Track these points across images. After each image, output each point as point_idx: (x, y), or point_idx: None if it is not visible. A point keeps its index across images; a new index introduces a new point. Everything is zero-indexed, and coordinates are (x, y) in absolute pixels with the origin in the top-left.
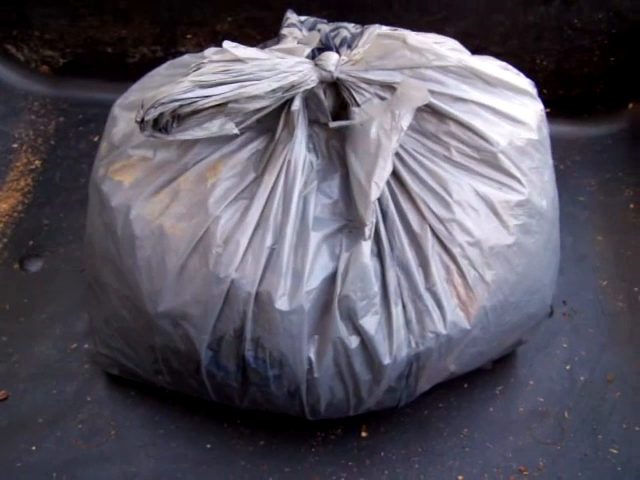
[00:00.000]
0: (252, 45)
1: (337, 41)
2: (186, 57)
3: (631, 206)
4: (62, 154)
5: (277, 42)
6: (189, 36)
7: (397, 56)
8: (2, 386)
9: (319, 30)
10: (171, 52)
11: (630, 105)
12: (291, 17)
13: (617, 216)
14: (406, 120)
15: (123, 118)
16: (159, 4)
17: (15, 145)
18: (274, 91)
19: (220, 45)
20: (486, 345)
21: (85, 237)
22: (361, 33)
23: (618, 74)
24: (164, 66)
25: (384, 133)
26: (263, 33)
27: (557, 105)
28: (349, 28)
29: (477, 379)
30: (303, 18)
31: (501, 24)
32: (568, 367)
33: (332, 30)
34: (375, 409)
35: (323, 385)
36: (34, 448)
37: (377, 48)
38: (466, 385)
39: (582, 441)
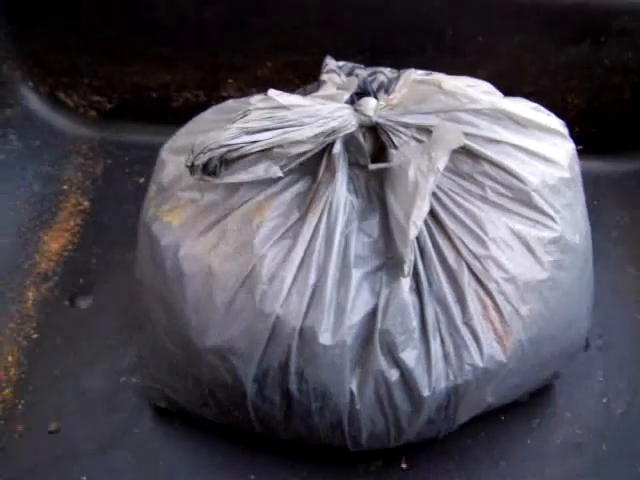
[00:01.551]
0: (292, 89)
1: (375, 86)
2: (230, 102)
3: None
4: (109, 195)
5: (317, 87)
6: (230, 81)
7: (433, 100)
8: (54, 418)
9: (357, 75)
10: (214, 96)
11: None
12: (330, 63)
13: None
14: (442, 162)
15: (171, 161)
16: (202, 51)
17: (65, 187)
18: (316, 136)
19: (260, 89)
20: (522, 377)
21: (134, 274)
22: (397, 77)
23: None
24: (209, 111)
25: (421, 174)
26: (301, 77)
27: (589, 142)
28: (386, 73)
29: (514, 411)
30: (341, 63)
31: (533, 65)
32: (605, 400)
33: (369, 75)
34: (415, 440)
35: (364, 416)
36: (85, 478)
37: (413, 93)
38: (503, 417)
39: (620, 474)
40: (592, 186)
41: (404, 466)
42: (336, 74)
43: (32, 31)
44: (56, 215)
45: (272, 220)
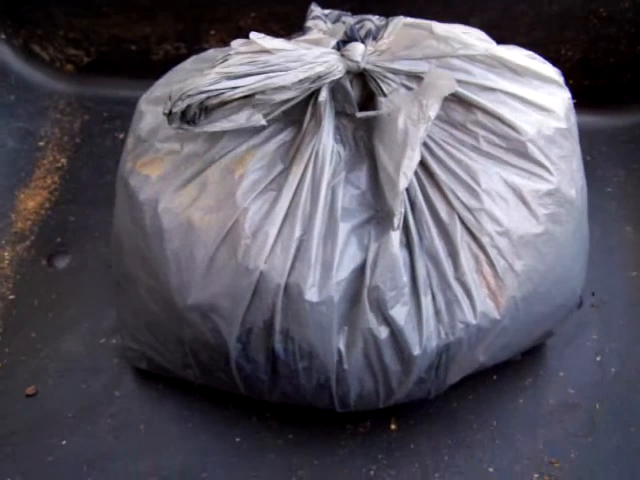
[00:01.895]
0: None
1: (362, 33)
2: (211, 51)
3: None
4: (88, 152)
5: (302, 35)
6: (212, 32)
7: (424, 46)
8: (31, 381)
9: (344, 22)
10: (195, 49)
11: None
12: (315, 10)
13: None
14: (433, 110)
15: (149, 112)
16: (182, 1)
17: (41, 143)
18: (301, 82)
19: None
20: (516, 336)
21: (112, 232)
22: (386, 25)
23: None
24: (189, 60)
25: (412, 123)
26: (287, 28)
27: (583, 96)
28: (374, 20)
29: (506, 371)
30: (327, 11)
31: (525, 14)
32: (599, 359)
33: (357, 22)
34: (404, 401)
35: (353, 376)
36: (64, 442)
37: (403, 38)
38: (495, 377)
39: (614, 433)
40: (586, 141)
41: (393, 427)
42: (322, 21)
43: None
44: (32, 173)
45: (255, 172)
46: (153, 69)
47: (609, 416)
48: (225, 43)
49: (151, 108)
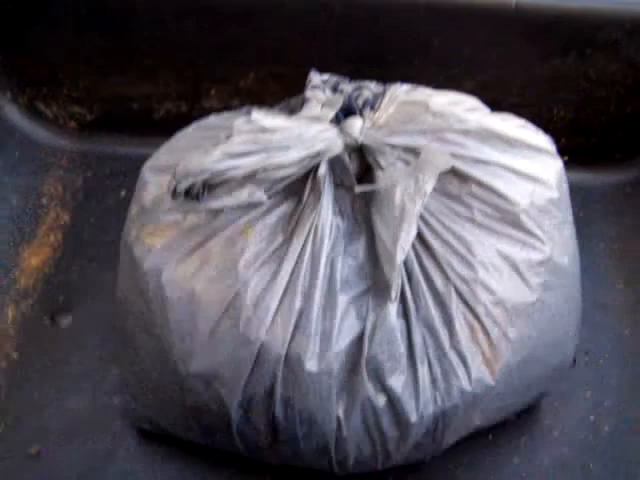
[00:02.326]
0: (275, 100)
1: (360, 102)
2: (212, 118)
3: None
4: (90, 209)
5: (301, 103)
6: (213, 92)
7: (420, 121)
8: (34, 442)
9: (342, 90)
10: (195, 107)
11: None
12: (314, 79)
13: (637, 264)
14: (430, 185)
15: (153, 181)
16: (184, 62)
17: (44, 200)
18: (301, 160)
19: (243, 100)
20: (510, 399)
21: (115, 296)
22: (383, 93)
23: (635, 122)
24: (191, 128)
25: (408, 197)
26: (285, 88)
27: (576, 154)
28: (371, 87)
29: (501, 430)
30: (325, 77)
31: (518, 76)
32: (592, 417)
33: (354, 90)
34: (402, 464)
35: (351, 442)
36: None
37: (400, 113)
38: (490, 437)
39: None
40: (579, 198)
41: None
42: (320, 90)
43: (11, 40)
44: (36, 230)
45: (256, 244)
46: (155, 126)
47: (603, 476)
48: (225, 102)
49: (154, 177)
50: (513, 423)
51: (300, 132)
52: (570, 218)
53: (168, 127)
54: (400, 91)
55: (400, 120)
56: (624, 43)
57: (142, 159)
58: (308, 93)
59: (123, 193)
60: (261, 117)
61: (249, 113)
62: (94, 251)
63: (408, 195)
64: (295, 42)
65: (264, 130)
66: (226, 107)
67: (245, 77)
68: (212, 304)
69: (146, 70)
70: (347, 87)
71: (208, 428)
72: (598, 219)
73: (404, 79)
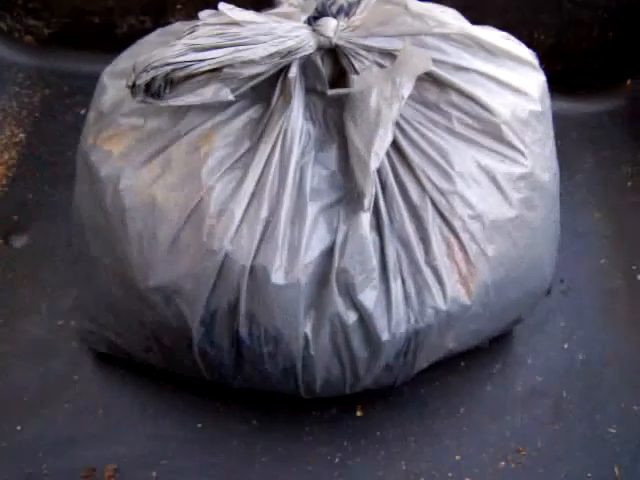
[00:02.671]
0: None
1: (334, 9)
2: (178, 24)
3: (629, 184)
4: (47, 127)
5: (272, 9)
6: (179, 6)
7: (398, 22)
8: None
9: None
10: (160, 23)
11: (628, 82)
12: None
13: (615, 194)
14: (407, 88)
15: (112, 86)
16: None
17: None
18: (271, 56)
19: None
20: (485, 322)
21: (72, 209)
22: (358, 2)
23: (616, 50)
24: (155, 33)
25: (384, 102)
26: (255, 2)
27: (555, 80)
28: None
29: (474, 358)
30: None
31: None
32: (566, 346)
33: None
34: (371, 388)
35: (319, 362)
36: (19, 428)
37: (377, 14)
38: (463, 363)
39: (580, 421)
40: (556, 126)
41: (359, 414)
42: None
43: None
44: None
45: (221, 149)
46: (117, 43)
47: (575, 404)
48: (192, 17)
49: (114, 82)
50: (486, 350)
51: (271, 27)
52: (552, 134)
53: (131, 43)
54: None
55: (377, 21)
56: None
57: None
58: None
59: (83, 111)
60: (229, 9)
61: None
62: (51, 170)
63: (384, 99)
64: None
65: (232, 23)
66: None
67: None
68: (173, 212)
69: None
70: None
71: (168, 348)
72: (575, 149)
73: None
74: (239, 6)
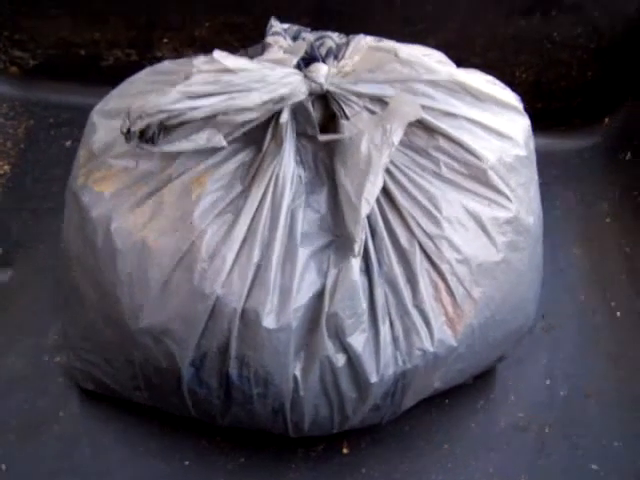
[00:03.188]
0: (231, 51)
1: (322, 51)
2: (166, 63)
3: (607, 220)
4: (32, 159)
5: (261, 50)
6: (165, 40)
7: (388, 69)
8: None
9: (303, 39)
10: (147, 57)
11: (606, 120)
12: (275, 25)
13: (594, 230)
14: (397, 135)
15: (102, 126)
16: (136, 6)
17: None
18: (264, 103)
19: (196, 50)
20: (471, 361)
21: (61, 247)
22: (347, 43)
23: (595, 88)
24: (144, 72)
25: (375, 148)
26: (241, 39)
27: (536, 118)
28: (334, 38)
29: (458, 394)
30: (286, 26)
31: (481, 36)
32: (548, 382)
33: (317, 39)
34: (358, 427)
35: (308, 403)
36: (4, 467)
37: (368, 60)
38: (447, 400)
39: (563, 457)
40: (537, 162)
41: (345, 451)
42: (282, 37)
43: None
44: None
45: (213, 193)
46: (102, 75)
47: (558, 440)
48: (178, 52)
49: (104, 121)
50: (469, 387)
51: (263, 74)
52: (536, 177)
53: (117, 76)
54: (364, 42)
55: (367, 68)
56: (589, 6)
57: (89, 109)
58: (269, 39)
59: (68, 143)
60: (223, 57)
61: None
62: (37, 203)
63: (374, 145)
64: None
65: (226, 70)
66: (179, 57)
67: (200, 26)
68: (165, 255)
69: (95, 14)
70: (309, 36)
71: (157, 387)
72: (555, 185)
73: (365, 34)
74: (225, 45)
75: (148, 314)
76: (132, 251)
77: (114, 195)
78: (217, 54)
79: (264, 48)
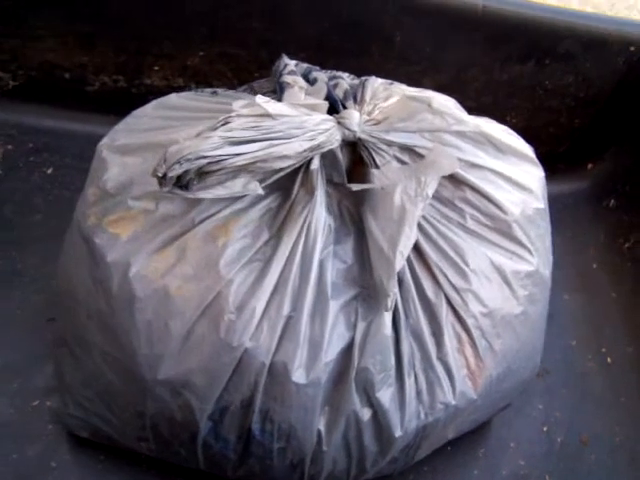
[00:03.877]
0: (224, 83)
1: (339, 93)
2: (173, 97)
3: (594, 266)
4: (12, 186)
5: (279, 89)
6: (156, 68)
7: (419, 119)
8: None
9: (315, 79)
10: (134, 83)
11: (589, 165)
12: (289, 64)
13: (581, 275)
14: (432, 188)
15: (115, 163)
16: (127, 32)
17: None
18: (303, 151)
19: (188, 80)
20: (484, 411)
21: (61, 286)
22: (362, 86)
23: (581, 136)
24: (150, 106)
25: (409, 199)
26: (235, 70)
27: None
28: (345, 78)
29: (460, 442)
30: (294, 62)
31: (476, 80)
32: (545, 428)
33: (330, 79)
34: (372, 478)
35: (328, 457)
36: None
37: (400, 110)
38: (449, 448)
39: None
40: None
41: None
42: (298, 76)
43: None
44: None
45: (239, 240)
46: (87, 100)
47: None
48: (168, 80)
49: (117, 158)
50: (470, 434)
51: (302, 121)
52: (549, 228)
53: (103, 102)
54: (378, 84)
55: (399, 117)
56: (581, 57)
57: (72, 135)
58: (287, 78)
59: (50, 171)
60: (264, 101)
61: (215, 94)
62: (18, 234)
63: (408, 197)
64: (252, 21)
65: (265, 115)
66: (169, 86)
67: (193, 55)
68: (188, 305)
69: (83, 37)
70: (321, 76)
71: (166, 439)
72: None
73: (361, 72)
74: (218, 75)
75: (168, 366)
76: (152, 299)
77: (132, 239)
78: (260, 99)
79: (282, 88)
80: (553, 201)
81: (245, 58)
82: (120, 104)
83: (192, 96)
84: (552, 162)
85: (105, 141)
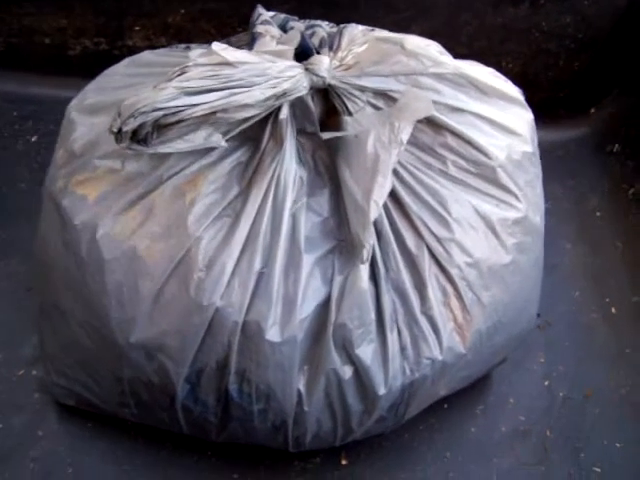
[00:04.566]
0: (207, 39)
1: (315, 41)
2: (146, 54)
3: (597, 214)
4: None
5: (250, 40)
6: (137, 28)
7: (393, 62)
8: None
9: (292, 28)
10: (117, 45)
11: (592, 110)
12: (263, 14)
13: (584, 224)
14: (406, 133)
15: (83, 123)
16: None
17: None
18: (267, 99)
19: (170, 39)
20: (476, 367)
21: (36, 254)
22: (339, 34)
23: (581, 79)
24: (122, 64)
25: (382, 147)
26: (217, 27)
27: None
28: (324, 27)
29: (457, 399)
30: (272, 14)
31: (468, 24)
32: (547, 383)
33: (307, 28)
34: (360, 439)
35: (311, 418)
36: None
37: (372, 53)
38: (446, 405)
39: (565, 461)
40: None
41: (344, 462)
42: (272, 26)
43: None
44: None
45: (208, 195)
46: (69, 65)
47: (560, 443)
48: (150, 40)
49: (85, 118)
50: (467, 391)
51: (264, 68)
52: (540, 174)
53: (85, 66)
54: (357, 31)
55: (371, 60)
56: None
57: (56, 101)
58: (259, 28)
59: (34, 138)
60: (222, 49)
61: (188, 49)
62: (2, 204)
63: (382, 144)
64: None
65: (225, 63)
66: (151, 46)
67: (175, 13)
68: (157, 264)
69: (61, 0)
70: (298, 25)
71: (147, 404)
72: (543, 178)
73: (348, 21)
74: (200, 32)
75: (139, 328)
76: (121, 260)
77: (99, 199)
78: (216, 46)
79: (254, 38)
80: (554, 148)
81: (227, 13)
82: (104, 67)
83: (165, 52)
84: (552, 108)
85: (74, 102)
